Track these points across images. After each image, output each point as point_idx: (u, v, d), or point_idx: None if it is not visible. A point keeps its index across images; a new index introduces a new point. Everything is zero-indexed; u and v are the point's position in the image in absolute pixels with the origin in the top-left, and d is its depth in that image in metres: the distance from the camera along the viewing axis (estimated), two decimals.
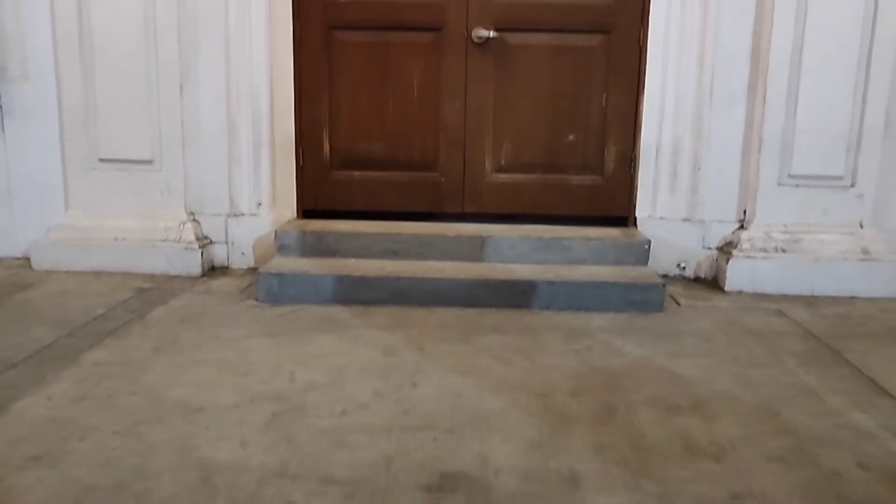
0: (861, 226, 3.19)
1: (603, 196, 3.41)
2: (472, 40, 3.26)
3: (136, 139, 3.24)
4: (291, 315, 2.73)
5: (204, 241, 3.32)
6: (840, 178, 3.17)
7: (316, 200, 3.45)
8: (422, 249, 3.13)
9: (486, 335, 2.53)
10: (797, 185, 3.18)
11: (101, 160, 3.27)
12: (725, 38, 3.19)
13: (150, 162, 3.26)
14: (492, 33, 3.25)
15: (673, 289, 3.14)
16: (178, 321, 2.63)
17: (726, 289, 3.16)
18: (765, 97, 3.14)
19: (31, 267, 3.29)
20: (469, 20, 3.26)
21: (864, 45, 3.08)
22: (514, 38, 3.28)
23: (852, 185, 3.18)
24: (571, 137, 3.37)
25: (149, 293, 2.97)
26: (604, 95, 3.33)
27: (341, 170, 3.42)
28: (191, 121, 3.25)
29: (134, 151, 3.25)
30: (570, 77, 3.32)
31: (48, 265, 3.27)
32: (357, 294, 2.88)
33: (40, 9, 3.18)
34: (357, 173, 3.42)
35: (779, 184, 3.19)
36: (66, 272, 3.24)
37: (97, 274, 3.21)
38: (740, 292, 3.15)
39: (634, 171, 3.37)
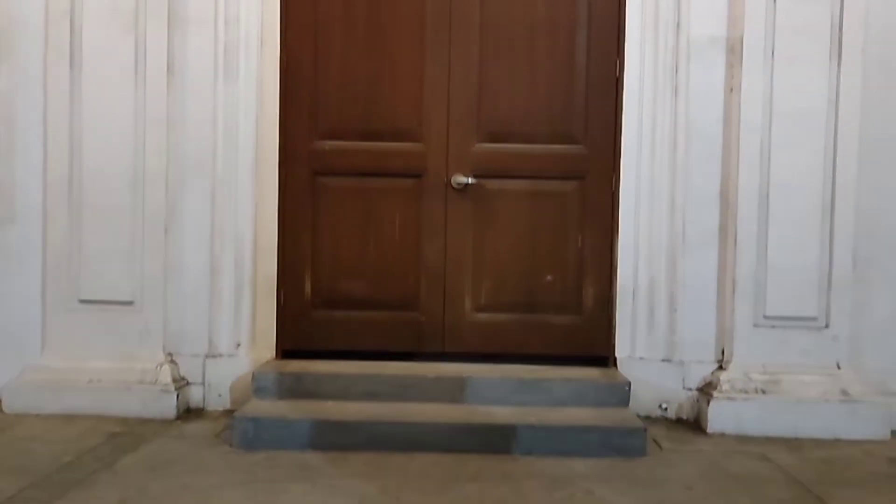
0: (838, 367, 3.21)
1: (582, 336, 3.43)
2: (451, 186, 3.38)
3: (118, 280, 3.25)
4: (266, 462, 2.66)
5: (181, 383, 3.27)
6: (814, 318, 3.22)
7: (296, 340, 3.44)
8: (402, 391, 3.10)
9: (465, 485, 2.47)
10: (773, 326, 3.22)
11: (82, 301, 3.27)
12: (695, 183, 3.32)
13: (130, 303, 3.27)
14: (470, 180, 3.37)
15: (655, 430, 3.10)
16: (148, 469, 2.56)
17: (708, 430, 3.13)
18: (735, 239, 3.24)
19: (1, 410, 3.22)
20: (449, 167, 3.38)
21: (827, 189, 3.22)
22: (492, 185, 3.40)
23: (826, 327, 3.22)
24: (550, 278, 3.43)
25: (120, 438, 2.90)
26: (580, 238, 3.42)
27: (322, 309, 3.44)
28: (174, 262, 3.29)
29: (115, 293, 3.26)
30: (547, 220, 3.42)
31: (19, 408, 3.20)
32: (335, 439, 2.82)
33: (33, 154, 3.26)
34: (338, 313, 3.44)
35: (755, 325, 3.23)
36: (37, 416, 3.16)
37: (69, 417, 3.13)
38: (723, 434, 3.11)
39: (612, 311, 3.41)
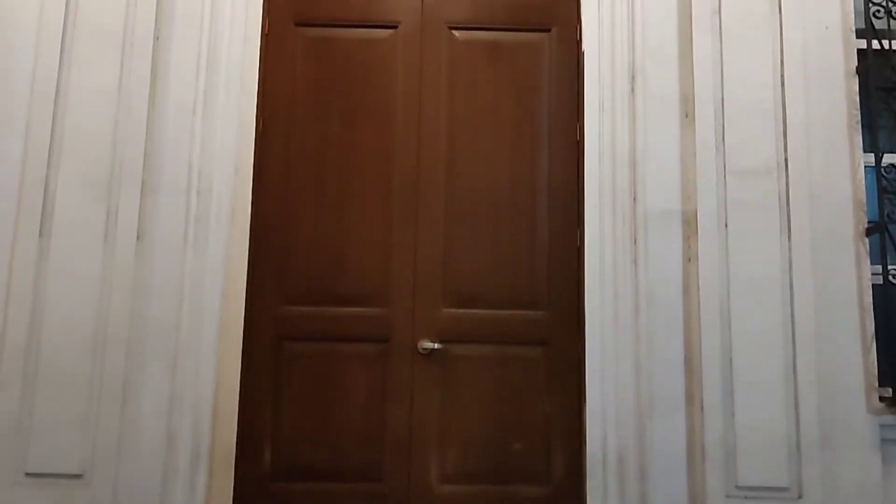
0: None
1: None
2: (418, 351, 3.37)
3: (69, 452, 3.11)
4: None
5: None
6: (786, 489, 3.16)
7: None
8: None
9: None
10: (746, 497, 3.16)
11: (28, 475, 3.11)
12: (659, 348, 3.34)
13: (79, 476, 3.11)
14: (437, 345, 3.38)
15: None
16: None
17: None
18: (702, 405, 3.23)
19: None
20: (415, 332, 3.39)
21: (788, 353, 3.25)
22: (458, 350, 3.40)
23: (800, 497, 3.16)
24: (518, 446, 3.37)
25: None
26: (547, 404, 3.39)
27: (282, 481, 3.31)
28: (129, 432, 3.17)
29: (65, 465, 3.11)
30: (514, 386, 3.40)
31: None
32: None
33: None
34: (298, 485, 3.31)
35: (727, 495, 3.16)
36: None
37: None
38: None
39: (582, 480, 3.33)
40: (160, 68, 3.40)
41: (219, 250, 3.37)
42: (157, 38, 3.39)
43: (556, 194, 3.51)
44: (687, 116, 3.41)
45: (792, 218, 3.31)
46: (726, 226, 3.31)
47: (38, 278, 3.21)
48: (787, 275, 3.29)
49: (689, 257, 3.36)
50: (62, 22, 3.35)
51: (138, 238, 3.27)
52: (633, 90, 3.47)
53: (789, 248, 3.31)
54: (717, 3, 3.42)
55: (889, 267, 3.34)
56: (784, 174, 3.33)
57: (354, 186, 3.49)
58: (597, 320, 3.39)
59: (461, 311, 3.45)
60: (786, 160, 3.34)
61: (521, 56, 3.56)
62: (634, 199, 3.41)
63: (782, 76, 3.39)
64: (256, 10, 3.53)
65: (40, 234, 3.23)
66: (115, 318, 3.20)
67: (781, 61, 3.40)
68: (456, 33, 3.55)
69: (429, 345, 3.37)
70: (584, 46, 3.54)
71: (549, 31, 3.57)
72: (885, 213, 3.37)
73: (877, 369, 3.31)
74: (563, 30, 3.57)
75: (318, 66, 3.53)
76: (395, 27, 3.54)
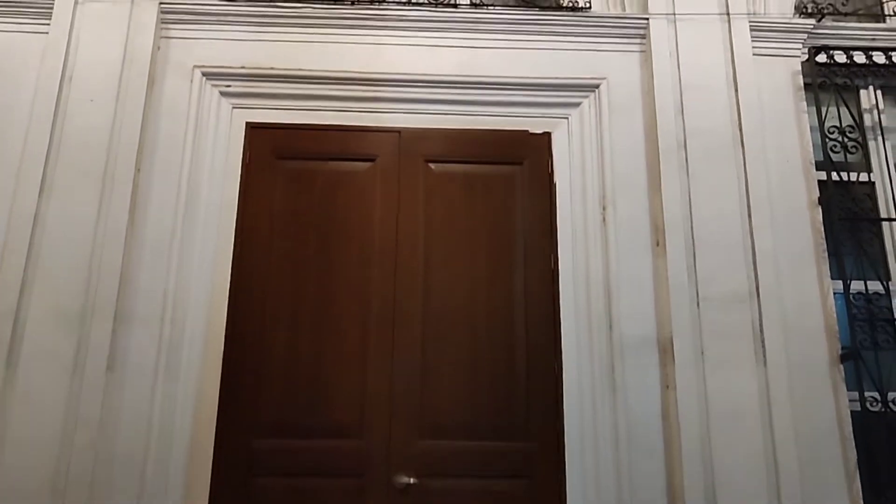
0: None
1: None
2: (393, 486, 3.25)
3: None
4: None
5: None
6: None
7: None
8: None
9: None
10: None
11: None
12: (640, 477, 3.25)
13: None
14: (413, 480, 3.26)
15: None
16: None
17: None
18: None
19: None
20: (391, 466, 3.28)
21: (772, 485, 3.18)
22: (435, 484, 3.28)
23: None
24: None
25: None
26: None
27: None
28: None
29: None
30: None
31: None
32: None
33: None
34: None
35: None
36: None
37: None
38: None
39: None
40: (140, 199, 3.45)
41: (190, 381, 3.30)
42: (139, 171, 3.45)
43: (533, 322, 3.50)
44: (658, 245, 3.49)
45: (767, 346, 3.33)
46: (702, 353, 3.31)
47: (1, 411, 3.10)
48: (766, 403, 3.28)
49: (668, 384, 3.34)
50: (45, 152, 3.42)
51: (108, 369, 3.20)
52: (604, 220, 3.55)
53: (766, 376, 3.31)
54: (683, 138, 3.58)
55: (865, 393, 3.34)
56: (756, 302, 3.38)
57: (331, 316, 3.46)
58: (576, 451, 3.32)
59: (438, 442, 3.36)
60: (757, 288, 3.40)
61: (496, 188, 3.65)
62: (610, 326, 3.43)
63: (748, 207, 3.50)
64: (238, 144, 3.62)
65: (7, 365, 3.15)
66: (78, 452, 3.07)
67: (747, 192, 3.52)
68: (432, 166, 3.65)
69: (404, 480, 3.26)
70: (556, 178, 3.65)
71: (521, 164, 3.69)
72: (857, 339, 3.41)
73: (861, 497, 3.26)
74: (536, 163, 3.69)
75: (298, 197, 3.58)
76: (373, 160, 3.63)
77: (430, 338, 3.45)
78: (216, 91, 3.65)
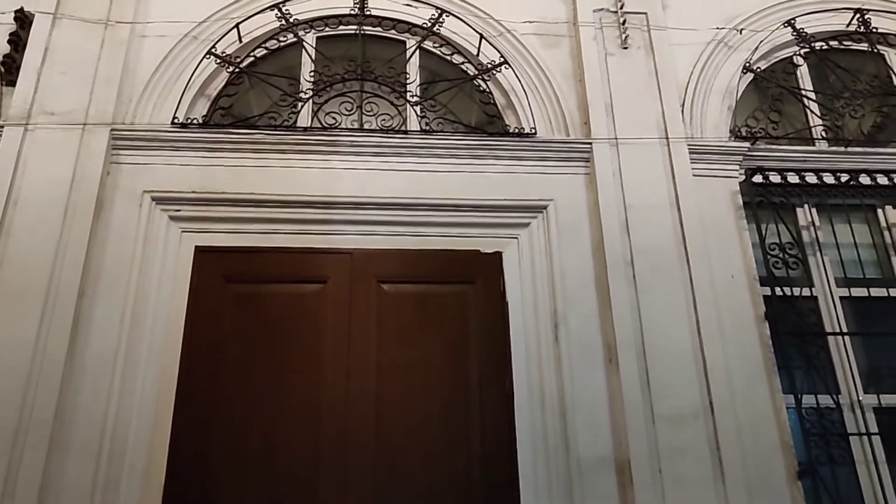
0: None
1: None
2: None
3: None
4: None
5: None
6: None
7: None
8: None
9: None
10: None
11: None
12: None
13: None
14: None
15: None
16: None
17: None
18: None
19: None
20: None
21: None
22: None
23: None
24: None
25: None
26: None
27: None
28: None
29: None
30: None
31: None
32: None
33: None
34: None
35: None
36: None
37: None
38: None
39: None
40: (82, 323, 3.35)
41: None
42: (82, 295, 3.37)
43: (490, 449, 3.38)
44: (611, 362, 3.48)
45: (724, 463, 3.29)
46: (660, 472, 3.25)
47: None
48: None
49: None
50: None
51: (39, 501, 3.00)
52: (556, 338, 3.55)
53: (725, 495, 3.25)
54: (630, 256, 3.65)
55: None
56: (711, 419, 3.36)
57: (280, 446, 3.31)
58: None
59: None
60: (711, 404, 3.39)
61: (449, 307, 3.64)
62: (567, 447, 3.36)
63: (697, 322, 3.55)
64: (186, 268, 3.58)
65: None
66: None
67: (695, 308, 3.58)
68: (384, 286, 3.64)
69: None
70: (509, 297, 3.67)
71: (473, 282, 3.70)
72: (813, 455, 3.39)
73: None
74: (488, 281, 3.70)
75: (247, 321, 3.51)
76: (324, 282, 3.61)
77: (384, 470, 3.31)
78: (165, 216, 3.64)
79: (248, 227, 3.69)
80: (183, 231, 3.66)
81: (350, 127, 3.95)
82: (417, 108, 4.06)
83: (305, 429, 3.35)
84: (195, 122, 3.86)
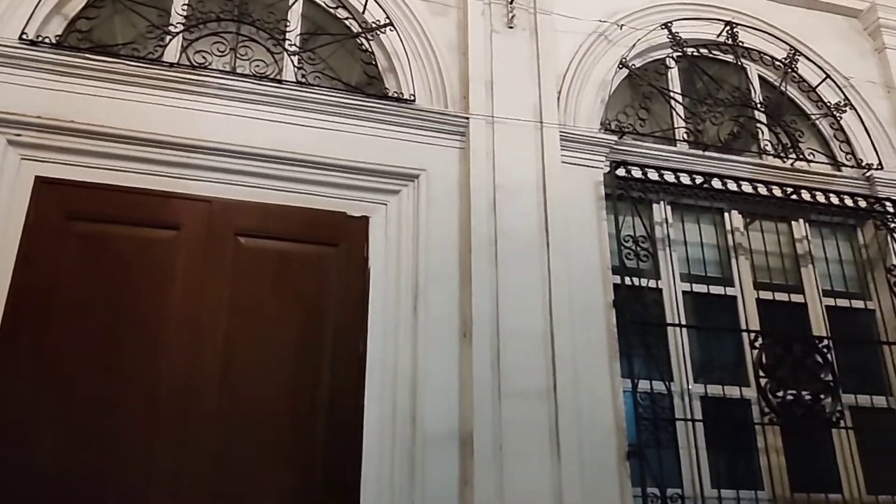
0: None
1: None
2: None
3: None
4: None
5: None
6: None
7: None
8: None
9: None
10: None
11: None
12: None
13: None
14: None
15: None
16: None
17: None
18: None
19: None
20: None
21: None
22: None
23: None
24: None
25: None
26: None
27: None
28: None
29: None
30: None
31: None
32: None
33: None
34: None
35: None
36: None
37: None
38: None
39: None
40: None
41: None
42: None
43: (337, 411, 3.35)
44: (465, 337, 3.53)
45: (561, 441, 3.42)
46: (501, 448, 3.34)
47: None
48: (559, 497, 3.34)
49: (466, 480, 3.32)
50: None
51: None
52: (415, 310, 3.55)
53: (560, 470, 3.39)
54: (494, 235, 3.69)
55: (647, 490, 3.50)
56: (553, 398, 3.49)
57: (115, 391, 3.12)
58: None
59: None
60: (555, 385, 3.51)
61: (309, 268, 3.54)
62: (414, 418, 3.38)
63: (550, 306, 3.65)
64: (23, 200, 3.26)
65: None
66: None
67: (550, 292, 3.67)
68: (243, 240, 3.49)
69: None
70: (371, 264, 3.62)
71: (337, 245, 3.62)
72: (643, 438, 3.60)
73: None
74: (352, 246, 3.63)
75: (89, 263, 3.25)
76: (177, 229, 3.41)
77: (228, 427, 3.20)
78: (3, 139, 3.30)
79: (99, 161, 3.41)
80: (23, 158, 3.33)
81: (222, 69, 3.73)
82: (295, 59, 3.89)
83: (145, 385, 3.17)
84: (47, 40, 3.50)
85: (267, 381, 3.32)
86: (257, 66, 3.79)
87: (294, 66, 3.87)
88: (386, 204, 3.75)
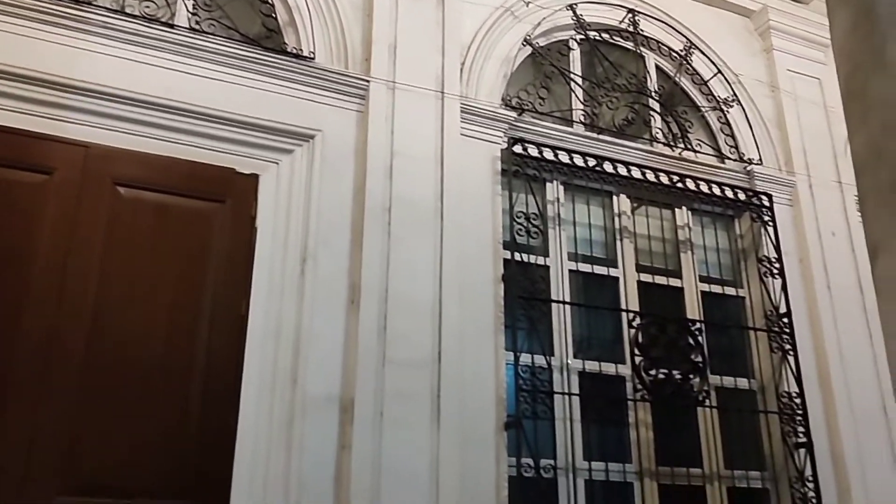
0: None
1: None
2: None
3: None
4: None
5: None
6: None
7: None
8: None
9: None
10: None
11: None
12: None
13: None
14: None
15: None
16: None
17: None
18: None
19: None
20: None
21: None
22: None
23: None
24: None
25: None
26: None
27: None
28: None
29: None
30: None
31: None
32: None
33: None
34: None
35: None
36: None
37: None
38: None
39: None
40: None
41: None
42: None
43: (214, 371, 3.26)
44: (353, 303, 3.49)
45: (442, 410, 3.45)
46: (382, 414, 3.34)
47: None
48: (436, 466, 3.38)
49: (344, 444, 3.30)
50: None
51: None
52: (303, 272, 3.48)
53: (438, 439, 3.42)
54: (388, 203, 3.66)
55: (522, 460, 3.60)
56: (437, 368, 3.51)
57: None
58: None
59: (85, 500, 2.95)
60: (440, 355, 3.53)
61: (193, 224, 3.40)
62: (295, 381, 3.32)
63: (441, 276, 3.66)
64: None
65: None
66: None
67: (441, 263, 3.68)
68: (121, 190, 3.30)
69: None
70: (259, 223, 3.51)
71: (223, 202, 3.49)
72: (521, 409, 3.68)
73: None
74: (239, 204, 3.51)
75: None
76: (49, 174, 3.18)
77: (93, 385, 3.04)
78: None
79: None
80: None
81: (109, 7, 3.50)
82: (189, 4, 3.69)
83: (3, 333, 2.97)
84: None
85: (139, 338, 3.17)
86: (148, 7, 3.57)
87: (188, 10, 3.68)
88: (278, 163, 3.65)
